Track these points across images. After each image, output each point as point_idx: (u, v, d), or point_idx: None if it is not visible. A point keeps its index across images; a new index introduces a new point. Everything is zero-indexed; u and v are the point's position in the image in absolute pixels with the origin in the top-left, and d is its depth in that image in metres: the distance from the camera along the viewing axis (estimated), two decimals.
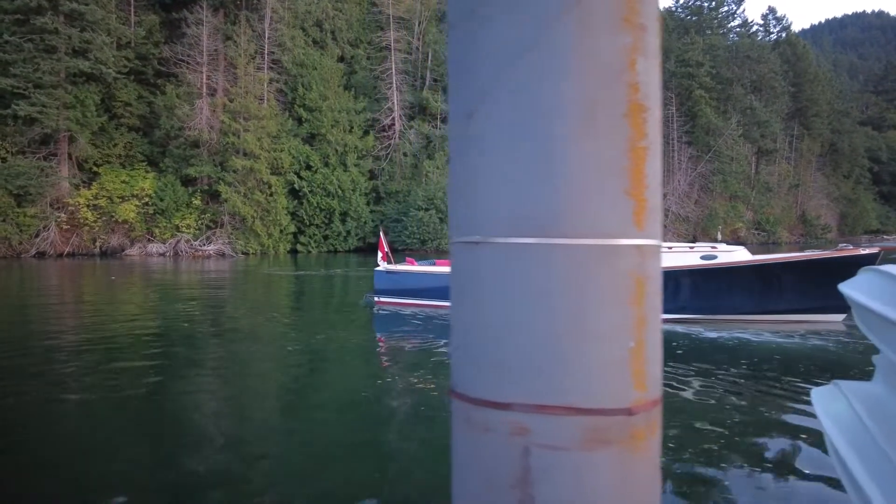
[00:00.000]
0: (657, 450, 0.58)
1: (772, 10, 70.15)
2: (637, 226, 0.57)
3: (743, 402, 5.11)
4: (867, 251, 8.49)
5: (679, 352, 7.14)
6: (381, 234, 12.14)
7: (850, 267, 8.65)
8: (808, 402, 4.98)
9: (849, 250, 8.68)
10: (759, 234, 60.54)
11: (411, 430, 4.63)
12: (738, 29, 65.52)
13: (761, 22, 72.45)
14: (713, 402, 5.09)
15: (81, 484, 3.67)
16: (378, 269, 11.40)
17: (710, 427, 4.40)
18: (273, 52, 41.25)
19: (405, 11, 47.54)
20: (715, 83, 57.45)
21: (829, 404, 1.61)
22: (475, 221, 0.59)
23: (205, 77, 38.27)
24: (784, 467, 3.71)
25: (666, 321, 8.91)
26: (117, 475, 3.75)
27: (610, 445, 0.55)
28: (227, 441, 4.40)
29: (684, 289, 9.14)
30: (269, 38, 40.81)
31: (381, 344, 8.41)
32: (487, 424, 0.57)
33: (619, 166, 0.55)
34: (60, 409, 5.13)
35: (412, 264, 11.54)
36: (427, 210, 39.11)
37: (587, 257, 0.55)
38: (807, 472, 3.60)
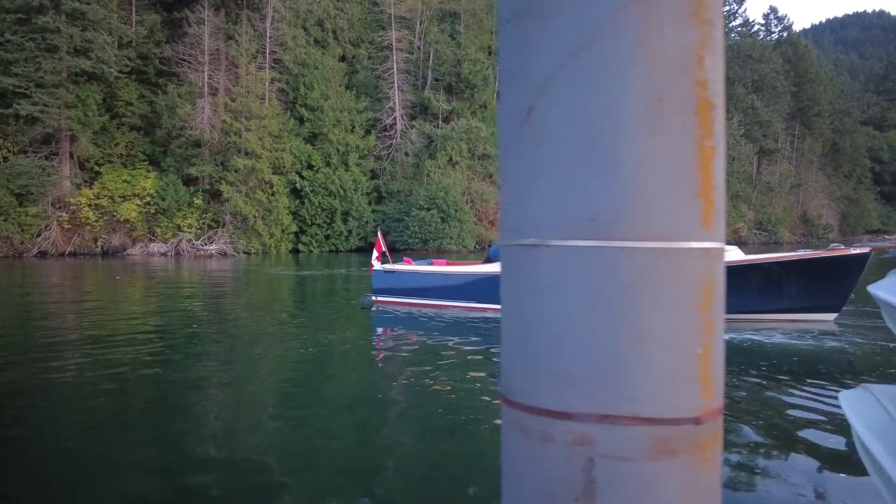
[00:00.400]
0: (720, 459, 0.56)
1: (773, 10, 70.22)
2: (705, 227, 0.54)
3: (768, 405, 5.05)
4: (858, 251, 8.50)
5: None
6: (379, 233, 12.18)
7: (840, 267, 8.55)
8: (835, 405, 4.94)
9: (840, 250, 8.68)
10: (760, 233, 60.49)
11: (411, 430, 4.61)
12: (739, 28, 65.52)
13: (762, 21, 72.47)
14: (739, 405, 5.03)
15: (82, 484, 3.64)
16: (376, 268, 11.39)
17: (738, 430, 4.34)
18: (275, 52, 41.19)
19: (407, 11, 47.48)
20: None
21: (859, 407, 1.57)
22: (532, 223, 0.56)
23: (206, 76, 38.21)
24: (814, 470, 3.66)
25: None
26: (117, 473, 3.73)
27: (676, 455, 0.53)
28: (228, 437, 4.39)
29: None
30: (270, 38, 40.75)
31: (382, 344, 8.35)
32: (547, 434, 0.55)
33: (687, 166, 0.53)
34: (65, 406, 5.09)
35: (410, 264, 11.54)
36: (429, 210, 39.04)
37: (653, 261, 0.53)
38: (839, 474, 3.55)
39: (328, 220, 39.96)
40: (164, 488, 3.55)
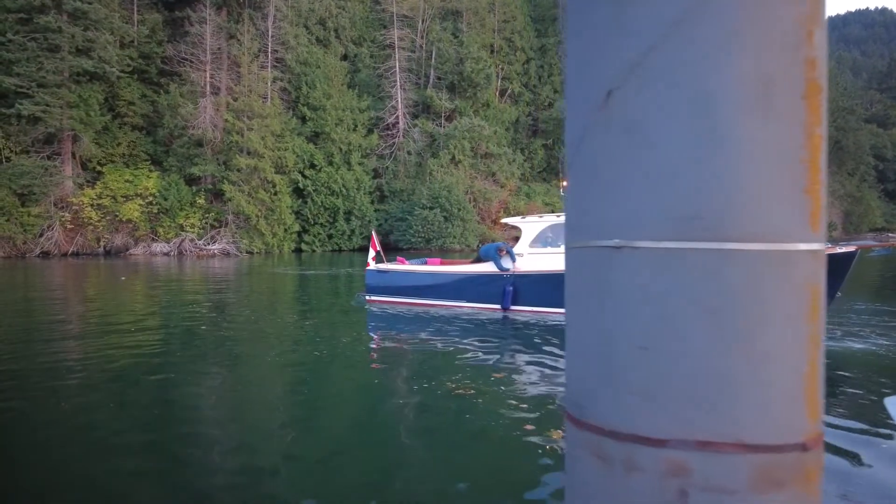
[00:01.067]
0: (821, 490, 0.49)
1: None
2: (811, 227, 0.48)
3: None
4: (843, 250, 8.53)
5: None
6: (373, 233, 12.46)
7: (826, 265, 8.66)
8: (880, 408, 4.84)
9: (826, 248, 8.75)
10: None
11: (412, 430, 4.64)
12: None
13: None
14: None
15: (83, 484, 3.61)
16: (369, 268, 11.66)
17: None
18: (276, 51, 41.10)
19: (409, 9, 47.36)
20: None
21: None
22: (614, 222, 0.49)
23: (208, 76, 38.13)
24: (862, 471, 3.61)
25: None
26: (120, 473, 3.72)
27: (783, 487, 0.46)
28: (232, 438, 4.39)
29: None
30: (272, 37, 40.66)
31: (379, 344, 8.40)
32: (632, 462, 0.48)
33: (796, 157, 0.47)
34: (69, 404, 5.01)
35: (403, 263, 11.76)
36: (432, 209, 38.94)
37: (761, 264, 0.46)
38: (887, 476, 3.47)
39: (331, 220, 39.88)
40: (167, 485, 3.54)
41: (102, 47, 33.29)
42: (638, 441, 0.48)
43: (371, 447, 4.25)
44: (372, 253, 11.74)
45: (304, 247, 39.33)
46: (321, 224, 39.73)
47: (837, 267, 8.39)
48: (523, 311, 10.12)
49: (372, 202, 41.96)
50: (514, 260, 10.50)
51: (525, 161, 50.06)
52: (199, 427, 4.76)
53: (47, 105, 31.55)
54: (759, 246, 0.47)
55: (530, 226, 10.66)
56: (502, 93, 51.54)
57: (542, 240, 10.47)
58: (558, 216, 10.56)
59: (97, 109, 34.22)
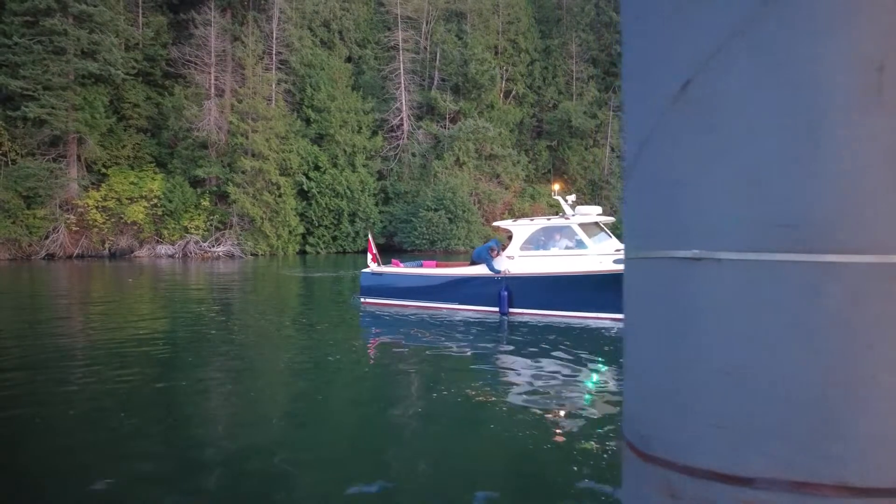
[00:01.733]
0: None
1: None
2: None
3: None
4: None
5: None
6: (370, 237, 12.92)
7: None
8: None
9: None
10: None
11: (413, 431, 4.70)
12: None
13: None
14: None
15: (84, 484, 3.61)
16: (364, 270, 11.99)
17: None
18: (281, 53, 41.10)
19: (413, 11, 47.31)
20: None
21: None
22: (690, 230, 0.43)
23: (213, 78, 38.15)
24: None
25: None
26: (122, 474, 3.75)
27: None
28: (235, 438, 4.40)
29: None
30: (276, 39, 40.66)
31: (377, 343, 8.55)
32: (711, 503, 0.42)
33: None
34: (74, 404, 4.94)
35: (397, 266, 12.10)
36: (436, 211, 38.83)
37: (866, 280, 0.40)
38: None
39: (335, 222, 39.82)
40: (173, 486, 3.56)
41: (107, 50, 33.33)
42: (718, 479, 0.41)
43: (373, 449, 4.26)
44: (371, 256, 12.12)
45: (308, 249, 39.29)
46: (325, 226, 39.68)
47: None
48: (515, 314, 10.21)
49: (376, 204, 41.89)
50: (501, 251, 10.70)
51: (529, 162, 49.93)
52: (204, 425, 4.76)
53: (53, 108, 31.60)
54: (864, 258, 0.40)
55: (521, 228, 10.71)
56: (507, 94, 51.43)
57: (533, 242, 10.52)
58: (549, 219, 10.66)
59: (102, 112, 34.26)
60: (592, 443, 4.24)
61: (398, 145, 44.62)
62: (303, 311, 12.59)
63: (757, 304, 0.40)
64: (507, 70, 50.86)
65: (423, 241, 39.06)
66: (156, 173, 36.74)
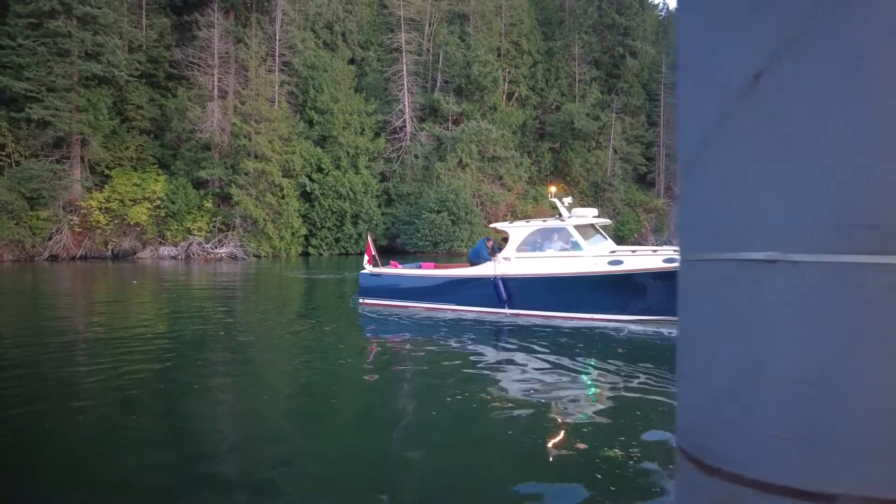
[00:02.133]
0: None
1: None
2: None
3: None
4: None
5: None
6: (369, 238, 13.09)
7: None
8: None
9: None
10: None
11: (416, 432, 4.73)
12: None
13: None
14: None
15: (87, 486, 3.65)
16: (363, 271, 12.15)
17: None
18: (284, 55, 41.14)
19: (416, 13, 47.36)
20: None
21: None
22: (762, 231, 0.41)
23: (216, 79, 38.19)
24: None
25: (632, 321, 9.44)
26: (128, 470, 3.79)
27: None
28: (237, 438, 4.44)
29: (649, 290, 9.39)
30: (279, 41, 40.71)
31: (386, 348, 8.61)
32: None
33: None
34: (81, 404, 4.91)
35: (395, 267, 12.32)
36: (439, 212, 38.80)
37: None
38: None
39: (338, 223, 39.82)
40: (176, 488, 3.58)
41: (111, 51, 33.38)
42: (794, 495, 0.39)
43: (376, 451, 4.27)
44: (367, 257, 12.28)
45: (311, 250, 39.28)
46: (328, 228, 39.68)
47: None
48: (511, 314, 10.38)
49: (379, 206, 41.88)
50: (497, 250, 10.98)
51: (532, 164, 49.91)
52: (207, 428, 4.76)
53: (56, 109, 31.64)
54: None
55: (517, 230, 10.84)
56: (509, 96, 51.43)
57: (529, 244, 10.63)
58: (545, 221, 10.80)
59: (106, 113, 34.30)
60: (605, 448, 4.19)
61: (401, 147, 44.62)
62: (306, 313, 12.60)
63: (837, 309, 0.38)
64: (509, 72, 50.86)
65: (426, 243, 39.02)
66: (159, 175, 36.77)
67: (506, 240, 10.98)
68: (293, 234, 37.93)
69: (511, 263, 10.56)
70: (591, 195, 52.17)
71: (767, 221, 0.40)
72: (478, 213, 40.89)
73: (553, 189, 12.16)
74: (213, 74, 38.05)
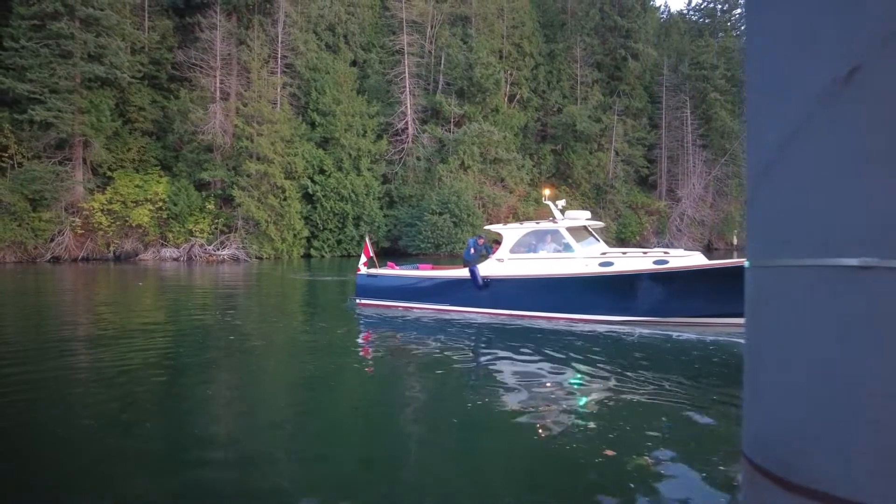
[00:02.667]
0: None
1: None
2: None
3: None
4: None
5: (725, 370, 6.84)
6: (367, 239, 13.44)
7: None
8: None
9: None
10: None
11: (418, 434, 4.72)
12: None
13: None
14: None
15: (96, 488, 3.61)
16: (360, 272, 12.52)
17: None
18: (286, 57, 41.18)
19: (418, 15, 47.40)
20: (730, 86, 56.84)
21: None
22: (850, 237, 0.36)
23: (218, 81, 38.21)
24: None
25: (621, 322, 9.61)
26: (128, 471, 3.79)
27: None
28: (239, 440, 4.38)
29: (638, 291, 9.58)
30: (282, 43, 40.75)
31: (379, 344, 8.74)
32: None
33: None
34: (88, 405, 4.87)
35: (392, 268, 12.67)
36: (441, 214, 38.77)
37: None
38: None
39: (340, 225, 39.80)
40: (176, 488, 3.58)
41: (114, 53, 33.42)
42: None
43: (378, 456, 4.24)
44: (363, 258, 12.64)
45: (313, 252, 39.26)
46: (330, 229, 39.66)
47: None
48: (500, 314, 10.56)
49: (381, 208, 41.86)
50: (487, 251, 11.38)
51: (534, 166, 49.89)
52: (210, 431, 4.74)
53: (59, 111, 31.67)
54: None
55: (511, 232, 11.05)
56: (511, 98, 51.42)
57: (522, 245, 10.84)
58: (538, 223, 11.01)
59: (108, 115, 34.33)
60: (609, 451, 4.14)
61: (403, 149, 44.62)
62: (309, 314, 12.57)
63: None
64: (511, 74, 50.86)
65: (428, 245, 38.98)
66: (161, 176, 36.78)
67: (499, 242, 11.20)
68: (295, 236, 37.91)
69: (505, 264, 10.79)
70: (592, 197, 52.12)
71: (861, 227, 0.35)
72: (480, 215, 40.86)
73: (547, 192, 12.38)
74: (215, 76, 38.08)
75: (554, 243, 10.59)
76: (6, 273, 24.50)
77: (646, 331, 8.98)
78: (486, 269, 10.88)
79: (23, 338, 9.12)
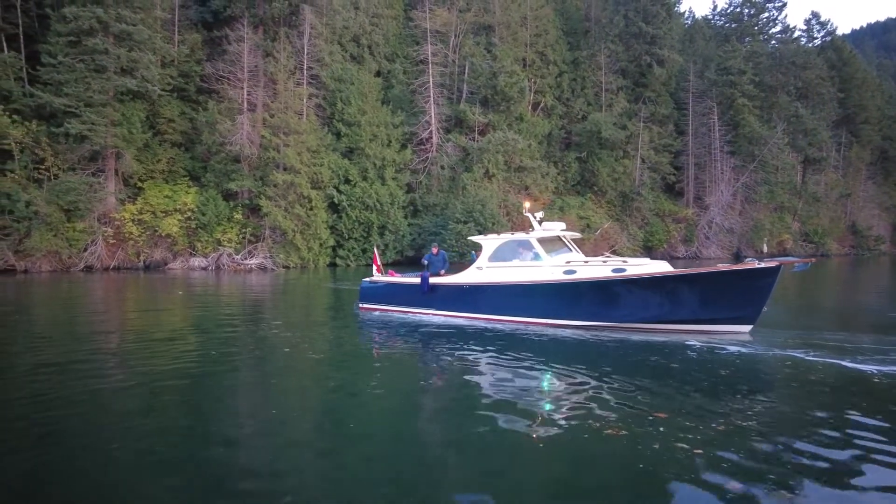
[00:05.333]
0: None
1: (815, 15, 67.91)
2: None
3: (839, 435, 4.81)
4: (767, 265, 8.95)
5: (723, 372, 7.03)
6: (375, 250, 15.23)
7: (749, 279, 9.18)
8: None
9: (750, 264, 9.17)
10: (806, 245, 58.20)
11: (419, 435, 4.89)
12: (779, 35, 63.72)
13: (804, 27, 70.44)
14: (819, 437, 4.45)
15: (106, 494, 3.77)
16: (364, 280, 13.88)
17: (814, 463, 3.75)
18: (312, 68, 41.64)
19: (441, 25, 47.60)
20: (758, 91, 55.78)
21: None
22: None
23: (245, 93, 38.77)
24: None
25: (582, 327, 10.28)
26: (154, 474, 3.94)
27: None
28: (262, 447, 4.51)
29: (596, 298, 10.18)
30: (307, 54, 41.23)
31: (384, 348, 9.17)
32: None
33: None
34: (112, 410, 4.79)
35: (392, 276, 13.83)
36: (465, 223, 38.59)
37: None
38: None
39: (365, 234, 39.90)
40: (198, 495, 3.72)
41: (145, 67, 34.14)
42: None
43: (390, 457, 4.42)
44: (375, 267, 14.10)
45: (338, 261, 39.41)
46: (355, 239, 39.78)
47: (761, 281, 9.06)
48: (481, 319, 11.50)
49: (405, 217, 41.89)
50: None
51: (559, 174, 49.51)
52: (235, 437, 4.75)
53: (93, 124, 32.41)
54: None
55: (489, 242, 12.01)
56: (535, 106, 51.21)
57: (498, 255, 11.69)
58: (513, 234, 11.93)
59: (139, 127, 35.03)
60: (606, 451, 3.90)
61: (427, 158, 44.67)
62: (338, 323, 12.51)
63: None
64: (535, 82, 50.69)
65: (453, 254, 38.78)
66: (189, 187, 37.35)
67: (478, 252, 12.21)
68: (321, 245, 38.10)
69: (483, 272, 11.79)
70: (618, 205, 51.46)
71: None
72: (504, 224, 40.59)
73: (527, 204, 13.31)
74: (242, 88, 38.65)
75: (527, 252, 11.40)
76: (42, 283, 25.00)
77: (641, 338, 9.17)
78: (468, 276, 11.95)
79: (88, 345, 9.16)
